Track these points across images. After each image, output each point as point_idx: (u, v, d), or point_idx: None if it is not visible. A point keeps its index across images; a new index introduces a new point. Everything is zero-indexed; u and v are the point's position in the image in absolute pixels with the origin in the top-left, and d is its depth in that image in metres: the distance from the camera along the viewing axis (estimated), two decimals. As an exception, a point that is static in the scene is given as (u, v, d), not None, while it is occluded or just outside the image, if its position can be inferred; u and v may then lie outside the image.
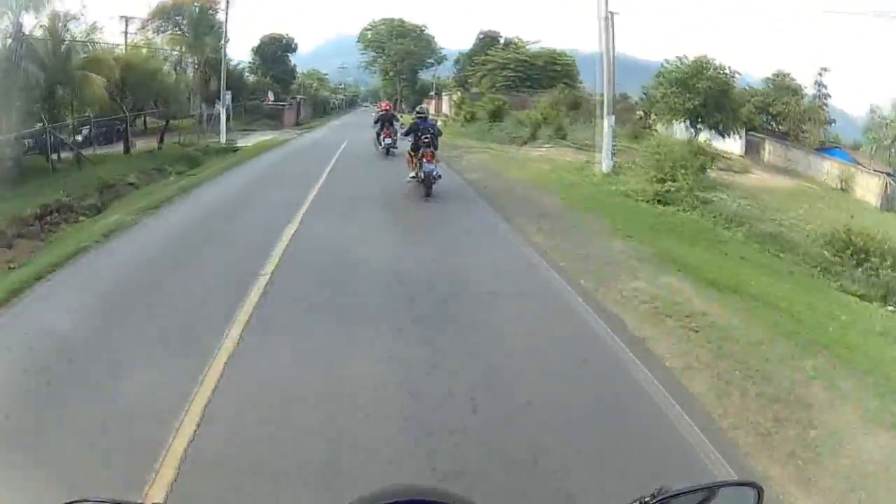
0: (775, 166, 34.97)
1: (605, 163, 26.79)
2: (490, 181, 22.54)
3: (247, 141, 40.39)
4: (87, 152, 30.25)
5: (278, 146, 36.89)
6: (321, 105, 68.63)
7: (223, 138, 39.55)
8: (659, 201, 21.42)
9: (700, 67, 33.06)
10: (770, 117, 36.85)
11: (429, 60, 64.34)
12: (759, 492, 1.69)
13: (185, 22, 46.22)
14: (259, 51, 58.33)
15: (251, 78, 57.17)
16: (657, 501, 1.63)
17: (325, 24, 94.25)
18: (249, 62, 57.43)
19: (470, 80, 57.49)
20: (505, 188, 21.30)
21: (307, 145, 37.58)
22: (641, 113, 40.29)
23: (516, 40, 57.17)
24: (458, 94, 55.38)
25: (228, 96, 45.01)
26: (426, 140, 17.59)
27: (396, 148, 25.66)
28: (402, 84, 64.55)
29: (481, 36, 58.84)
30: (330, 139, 38.88)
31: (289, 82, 60.61)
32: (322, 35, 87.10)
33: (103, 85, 29.68)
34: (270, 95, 55.79)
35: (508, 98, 50.54)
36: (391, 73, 64.73)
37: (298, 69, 63.16)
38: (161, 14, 45.84)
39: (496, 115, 47.30)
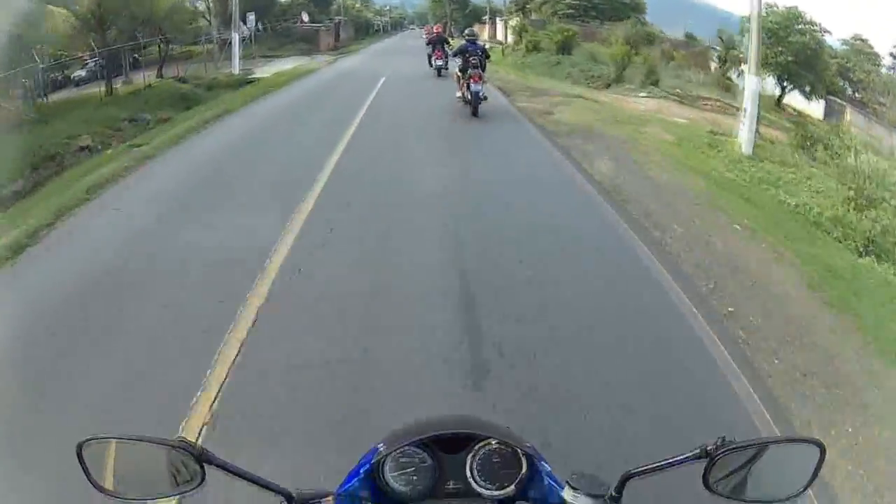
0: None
1: (745, 139, 18.94)
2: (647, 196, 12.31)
3: (268, 70, 32.85)
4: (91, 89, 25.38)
5: (300, 77, 29.58)
6: (363, 27, 62.09)
7: (236, 67, 31.74)
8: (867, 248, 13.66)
9: (792, 18, 29.43)
10: (849, 83, 32.16)
11: None
12: (822, 450, 1.61)
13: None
14: None
15: None
16: (722, 452, 1.59)
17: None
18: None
19: (528, 6, 49.32)
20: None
21: (336, 78, 29.86)
22: (718, 61, 35.33)
23: None
24: (518, 19, 47.64)
25: (251, 18, 37.62)
26: (474, 62, 17.81)
27: (447, 69, 25.38)
28: (452, 6, 57.87)
29: None
30: (367, 69, 31.17)
31: (329, 2, 54.08)
32: None
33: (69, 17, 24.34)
34: (304, 16, 48.39)
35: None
36: None
37: None
38: None
39: (565, 47, 39.52)
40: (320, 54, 42.22)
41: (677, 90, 29.78)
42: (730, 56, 33.62)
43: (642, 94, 28.09)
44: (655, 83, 30.30)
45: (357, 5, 62.76)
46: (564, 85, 29.85)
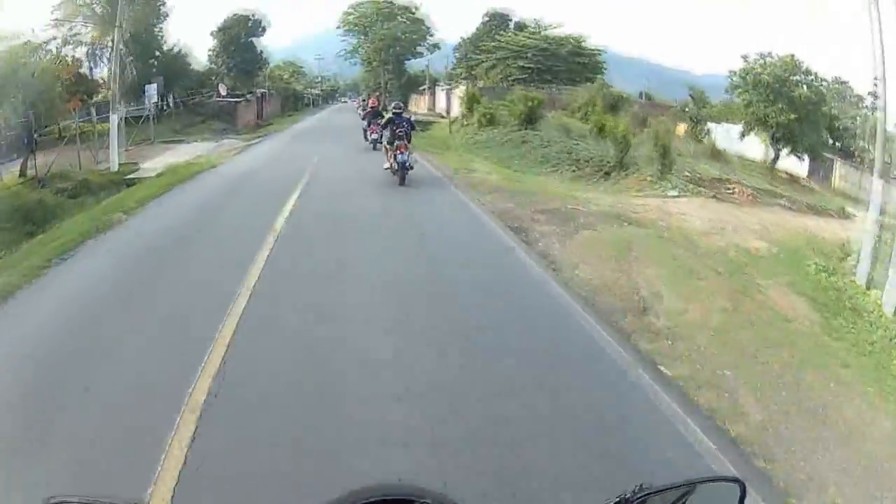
0: (849, 195, 26.66)
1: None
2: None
3: (161, 161, 24.77)
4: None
5: (190, 178, 20.70)
6: (291, 100, 55.75)
7: (115, 161, 23.83)
8: None
9: (790, 69, 27.71)
10: (832, 134, 29.86)
11: (420, 48, 51.07)
12: (742, 487, 1.65)
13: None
14: (222, 33, 44.90)
15: (199, 65, 43.09)
16: (638, 499, 1.60)
17: (309, 12, 79.05)
18: (210, 49, 44.41)
19: (475, 71, 45.68)
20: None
21: (232, 183, 19.81)
22: (690, 121, 33.06)
23: (533, 23, 46.15)
24: (467, 86, 41.61)
25: (152, 89, 30.18)
26: (400, 133, 18.24)
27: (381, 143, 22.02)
28: (388, 76, 51.95)
29: (487, 17, 47.29)
30: (284, 162, 23.93)
31: (253, 73, 46.88)
32: (306, 26, 73.08)
33: None
34: (222, 89, 41.50)
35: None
36: (375, 63, 51.99)
37: (274, 60, 51.36)
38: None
39: (529, 119, 33.22)
40: (235, 135, 34.69)
41: (697, 175, 23.62)
42: (702, 114, 32.06)
43: (672, 192, 20.76)
44: (669, 168, 23.19)
45: (285, 76, 56.37)
46: (552, 181, 22.95)
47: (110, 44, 32.05)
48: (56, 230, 14.59)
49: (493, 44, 44.29)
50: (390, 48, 49.97)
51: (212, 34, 44.40)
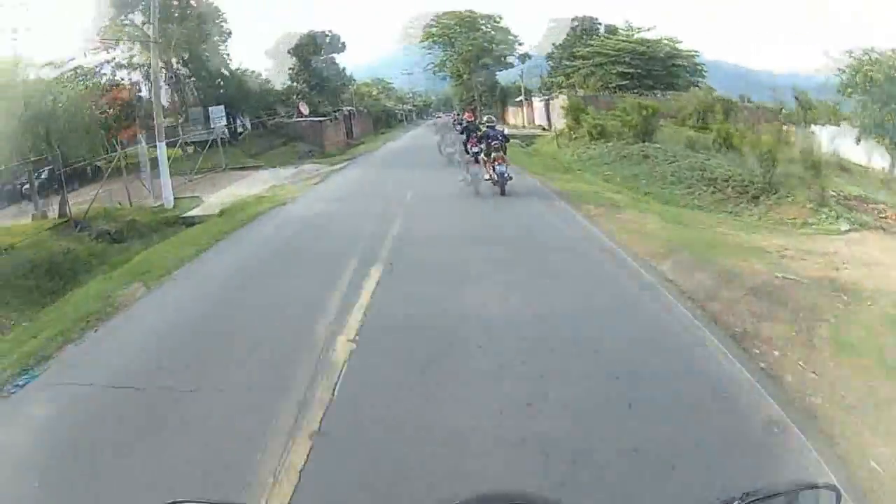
0: None
1: None
2: None
3: (231, 192, 20.95)
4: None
5: (250, 222, 16.41)
6: (382, 117, 53.42)
7: (169, 196, 19.97)
8: None
9: None
10: None
11: (509, 58, 48.06)
12: (838, 495, 1.68)
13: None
14: (297, 52, 42.65)
15: (275, 84, 40.59)
16: None
17: (390, 29, 75.96)
18: (289, 68, 42.18)
19: (572, 79, 42.37)
20: None
21: (303, 226, 15.54)
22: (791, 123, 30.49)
23: (625, 25, 42.90)
24: (569, 96, 37.41)
25: (218, 112, 26.65)
26: (496, 146, 18.31)
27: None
28: (481, 88, 49.01)
29: (576, 23, 44.18)
30: (371, 200, 18.37)
31: (338, 90, 44.89)
32: (385, 42, 70.72)
33: None
34: (303, 108, 37.96)
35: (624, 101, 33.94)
36: (465, 76, 49.05)
37: (359, 77, 49.98)
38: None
39: (645, 131, 28.87)
40: (320, 158, 30.95)
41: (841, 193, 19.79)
42: (808, 117, 30.17)
43: (843, 226, 15.93)
44: (822, 190, 19.01)
45: (374, 92, 53.70)
46: (707, 218, 17.66)
47: (167, 66, 29.11)
48: (55, 311, 10.49)
49: (587, 49, 41.33)
50: (478, 59, 47.27)
51: (289, 52, 42.17)
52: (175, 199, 19.99)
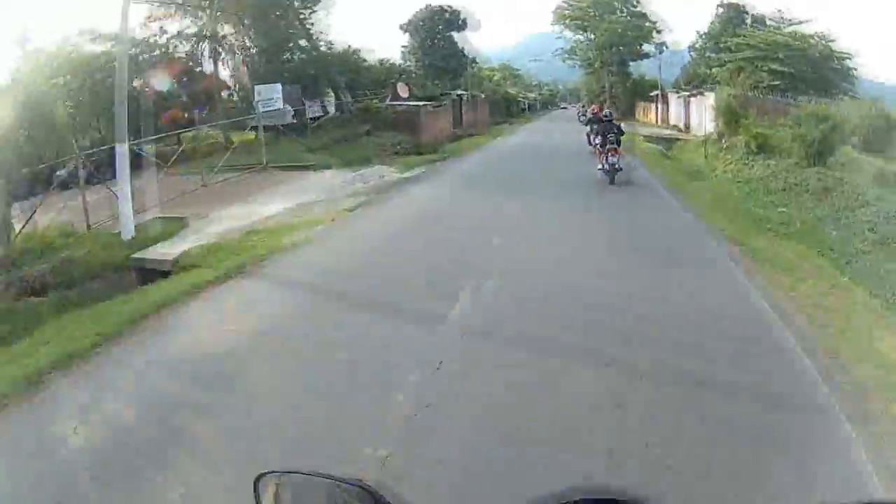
0: None
1: None
2: None
3: (235, 214, 14.66)
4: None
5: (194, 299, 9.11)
6: (502, 105, 47.69)
7: (128, 224, 13.12)
8: None
9: None
10: None
11: (645, 47, 42.94)
12: None
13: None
14: (412, 26, 40.47)
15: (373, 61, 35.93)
16: None
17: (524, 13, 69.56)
18: (402, 46, 40.68)
19: (715, 74, 36.31)
20: None
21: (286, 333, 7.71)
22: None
23: (776, 15, 36.88)
24: (720, 93, 29.68)
25: (275, 91, 21.10)
26: (611, 139, 18.58)
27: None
28: (613, 78, 43.52)
29: (722, 9, 38.78)
30: (428, 278, 9.54)
31: (457, 73, 41.24)
32: (521, 27, 66.96)
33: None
34: (401, 90, 33.23)
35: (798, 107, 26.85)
36: (597, 64, 43.86)
37: (487, 63, 48.73)
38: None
39: (820, 152, 21.74)
40: (404, 157, 24.68)
41: None
42: None
43: None
44: None
45: (496, 76, 49.79)
46: None
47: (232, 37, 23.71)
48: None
49: (736, 40, 35.55)
50: (612, 46, 42.19)
51: (401, 27, 40.01)
52: (158, 218, 13.74)
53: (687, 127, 36.14)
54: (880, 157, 23.37)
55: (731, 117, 25.90)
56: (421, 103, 31.81)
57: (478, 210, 14.66)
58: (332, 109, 29.28)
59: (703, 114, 31.92)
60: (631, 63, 43.47)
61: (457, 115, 37.04)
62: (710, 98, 30.67)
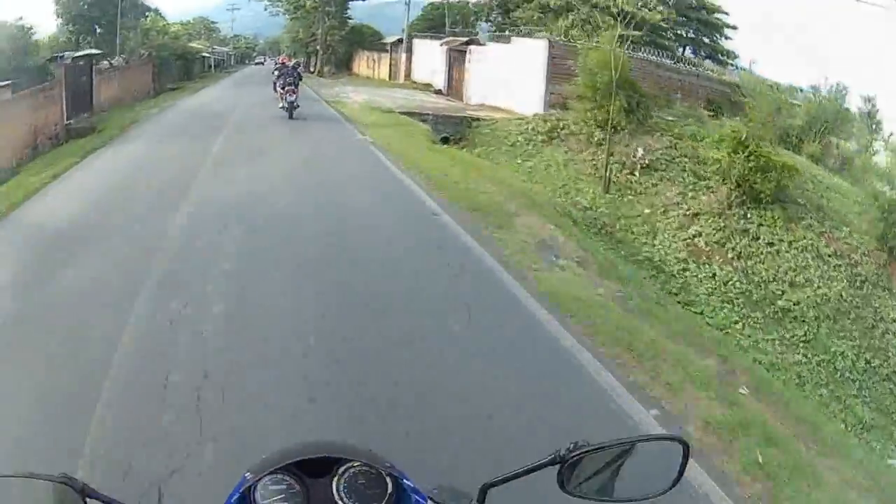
0: None
1: None
2: None
3: None
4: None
5: None
6: (181, 66, 36.46)
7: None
8: None
9: None
10: None
11: None
12: (686, 447, 1.50)
13: None
14: None
15: None
16: (574, 456, 1.44)
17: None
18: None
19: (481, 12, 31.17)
20: None
21: None
22: None
23: None
24: (553, 42, 21.44)
25: None
26: (290, 81, 20.43)
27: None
28: (330, 21, 36.29)
29: None
30: None
31: (119, 27, 31.72)
32: None
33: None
34: None
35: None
36: (308, 3, 36.41)
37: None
38: None
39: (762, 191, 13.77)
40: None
41: None
42: None
43: None
44: None
45: (174, 28, 38.91)
46: None
47: None
48: None
49: None
50: None
51: None
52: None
53: (449, 89, 26.66)
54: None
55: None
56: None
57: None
58: None
59: (512, 74, 21.71)
60: (353, 3, 37.23)
61: (79, 89, 21.44)
62: (530, 49, 21.05)
